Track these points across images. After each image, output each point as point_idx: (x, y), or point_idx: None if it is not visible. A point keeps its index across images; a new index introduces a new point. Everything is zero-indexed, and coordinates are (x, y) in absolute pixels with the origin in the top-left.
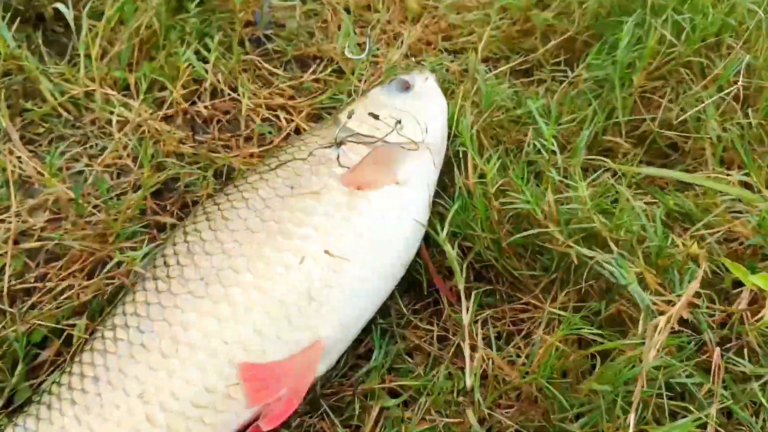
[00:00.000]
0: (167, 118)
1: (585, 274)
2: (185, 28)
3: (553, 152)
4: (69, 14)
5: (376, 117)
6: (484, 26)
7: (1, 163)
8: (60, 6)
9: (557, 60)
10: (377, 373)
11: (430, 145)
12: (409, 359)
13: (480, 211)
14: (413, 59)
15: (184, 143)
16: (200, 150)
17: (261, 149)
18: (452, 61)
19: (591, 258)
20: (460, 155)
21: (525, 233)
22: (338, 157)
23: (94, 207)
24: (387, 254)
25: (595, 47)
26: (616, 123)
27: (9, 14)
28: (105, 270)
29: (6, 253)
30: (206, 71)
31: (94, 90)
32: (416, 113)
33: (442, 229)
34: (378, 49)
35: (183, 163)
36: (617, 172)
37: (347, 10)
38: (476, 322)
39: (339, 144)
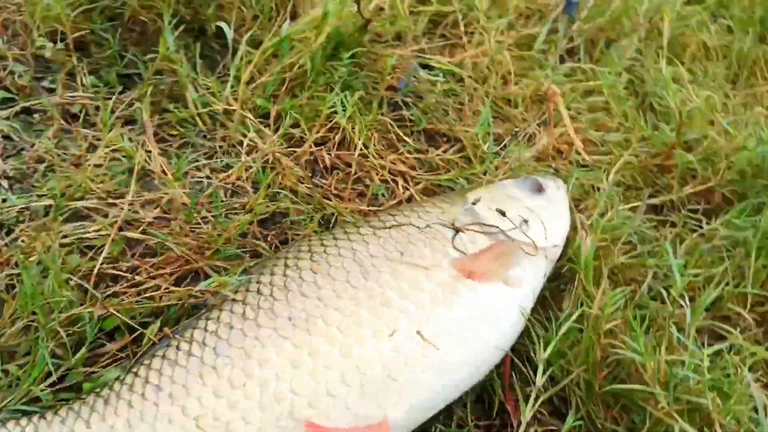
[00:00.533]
0: (292, 154)
1: None
2: (334, 75)
3: (680, 306)
4: (229, 35)
5: (503, 214)
6: (622, 150)
7: (131, 152)
8: (223, 26)
9: (693, 208)
10: None
11: (548, 253)
12: None
13: (583, 346)
14: (547, 166)
15: (301, 182)
16: (315, 192)
17: (370, 208)
18: (583, 175)
19: None
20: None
21: (625, 386)
22: (453, 238)
23: (203, 218)
24: (476, 352)
25: (738, 206)
26: (743, 293)
27: (175, 20)
28: (200, 284)
29: (108, 235)
30: (342, 121)
31: (234, 110)
32: (544, 218)
33: (543, 348)
34: (507, 144)
35: (296, 200)
36: (733, 347)
37: (486, 94)
38: None
39: (458, 230)
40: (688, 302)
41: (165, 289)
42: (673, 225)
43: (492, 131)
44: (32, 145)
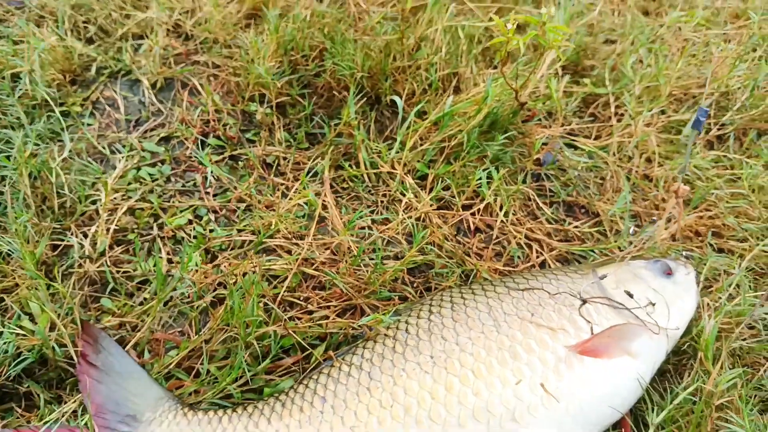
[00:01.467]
0: (443, 216)
1: None
2: (486, 150)
3: None
4: (400, 105)
5: (630, 295)
6: (760, 239)
7: (314, 203)
8: (396, 98)
9: None
10: None
11: (671, 334)
12: None
13: (695, 418)
14: (683, 253)
15: (447, 239)
16: (457, 249)
17: (506, 268)
18: (716, 260)
19: None
20: (692, 352)
21: None
22: (581, 307)
23: (363, 263)
24: (594, 413)
25: None
26: None
27: (357, 89)
28: (362, 320)
29: (291, 269)
30: (485, 192)
31: (396, 172)
32: (669, 301)
33: (656, 414)
34: (642, 225)
35: (441, 254)
36: None
37: (627, 177)
38: None
39: (584, 301)
40: None
41: (331, 319)
42: None
43: (630, 209)
44: (235, 188)
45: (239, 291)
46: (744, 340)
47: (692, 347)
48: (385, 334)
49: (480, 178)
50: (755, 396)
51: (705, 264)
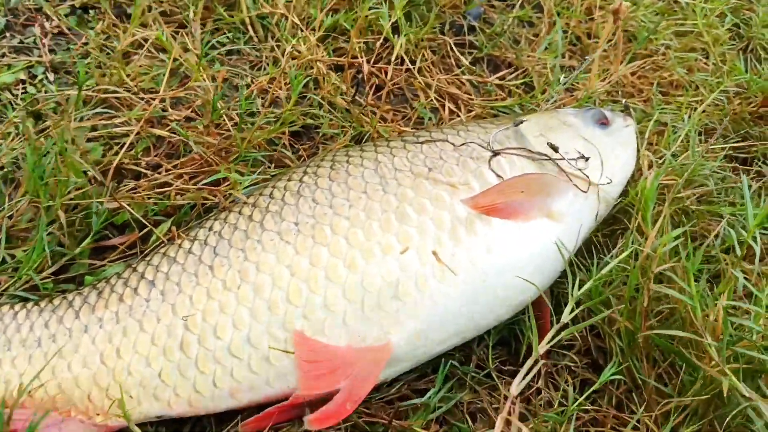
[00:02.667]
0: (337, 68)
1: (730, 416)
2: None
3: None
4: None
5: (554, 148)
6: (712, 92)
7: (166, 45)
8: None
9: None
10: (424, 415)
11: (604, 194)
12: (469, 420)
13: (628, 288)
14: (622, 101)
15: (343, 97)
16: (354, 109)
17: (414, 131)
18: (662, 114)
19: (748, 399)
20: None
21: (671, 332)
22: (491, 159)
23: (232, 122)
24: (501, 285)
25: None
26: None
27: None
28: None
29: (134, 130)
30: (385, 26)
31: (286, 17)
32: (603, 154)
33: (578, 288)
34: (580, 80)
35: (333, 114)
36: None
37: (565, 31)
38: (569, 419)
39: (496, 152)
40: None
41: (175, 186)
42: (761, 175)
43: (562, 63)
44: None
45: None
46: (691, 200)
47: (628, 213)
48: (245, 202)
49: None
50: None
51: (649, 118)
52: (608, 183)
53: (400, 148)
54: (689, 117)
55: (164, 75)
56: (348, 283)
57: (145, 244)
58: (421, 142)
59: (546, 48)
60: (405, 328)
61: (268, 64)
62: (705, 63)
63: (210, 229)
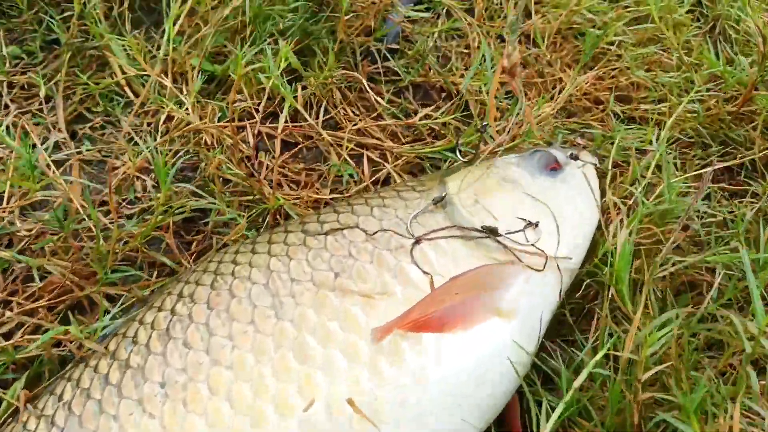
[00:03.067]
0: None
1: None
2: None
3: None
4: None
5: (494, 232)
6: (682, 95)
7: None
8: None
9: None
10: None
11: (565, 264)
12: None
13: (610, 406)
14: (572, 124)
15: (232, 164)
16: (252, 181)
17: (332, 196)
18: (625, 134)
19: None
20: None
21: None
22: (413, 248)
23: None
24: (444, 425)
25: None
26: None
27: None
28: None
29: None
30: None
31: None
32: (558, 213)
33: (546, 418)
34: (526, 98)
35: (222, 190)
36: None
37: (501, 38)
38: None
39: (417, 241)
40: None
41: (22, 336)
42: (755, 197)
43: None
44: None
45: None
46: (673, 264)
47: (598, 280)
48: (104, 352)
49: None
50: (699, 344)
51: (611, 142)
52: (568, 254)
53: (299, 245)
54: (657, 137)
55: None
56: None
57: None
58: (325, 233)
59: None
60: None
61: (144, 137)
62: (668, 57)
63: (59, 398)
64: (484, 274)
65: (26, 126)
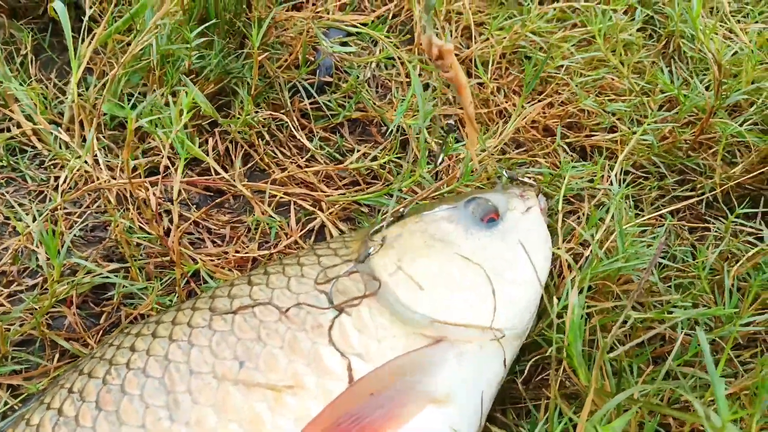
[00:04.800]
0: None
1: None
2: (185, 60)
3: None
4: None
5: (419, 286)
6: (636, 122)
7: None
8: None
9: (747, 202)
10: None
11: (506, 332)
12: None
13: None
14: (505, 174)
15: (143, 223)
16: (166, 240)
17: (259, 253)
18: (574, 173)
19: None
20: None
21: None
22: (331, 326)
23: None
24: None
25: None
26: None
27: None
28: None
29: None
30: (157, 135)
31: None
32: (496, 277)
33: None
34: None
35: (144, 254)
36: None
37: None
38: None
39: (340, 310)
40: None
41: None
42: (718, 238)
43: (442, 111)
44: None
45: None
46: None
47: (547, 353)
48: None
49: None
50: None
51: (561, 180)
52: (505, 324)
53: (203, 326)
54: (608, 176)
55: None
56: None
57: None
58: (234, 312)
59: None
60: None
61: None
62: (620, 81)
63: None
64: (404, 363)
65: None
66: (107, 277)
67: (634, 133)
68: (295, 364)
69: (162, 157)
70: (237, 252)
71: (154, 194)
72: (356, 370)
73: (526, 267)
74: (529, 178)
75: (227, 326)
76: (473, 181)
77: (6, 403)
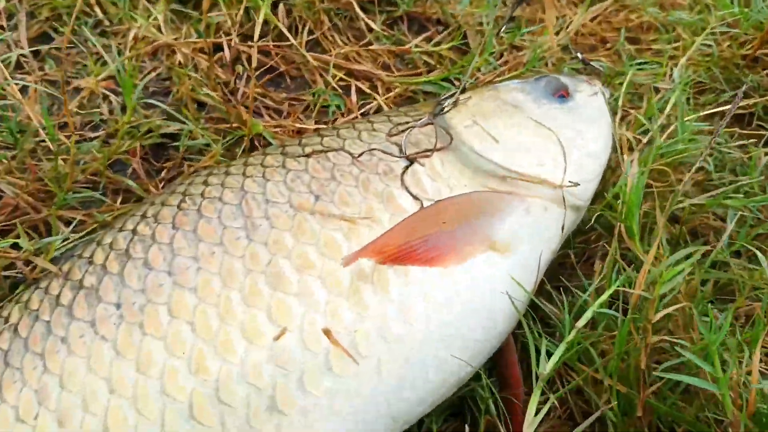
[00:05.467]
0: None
1: None
2: None
3: None
4: None
5: (495, 139)
6: (695, 35)
7: None
8: None
9: None
10: None
11: (572, 198)
12: None
13: (617, 348)
14: (579, 57)
15: (206, 88)
16: (228, 106)
17: (316, 127)
18: (636, 72)
19: None
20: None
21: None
22: (404, 172)
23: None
24: (433, 368)
25: None
26: None
27: None
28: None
29: None
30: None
31: None
32: (566, 141)
33: (546, 358)
34: (529, 34)
35: (197, 115)
36: None
37: None
38: None
39: (412, 160)
40: None
41: None
42: None
43: (504, 14)
44: None
45: None
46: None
47: (605, 220)
48: (57, 273)
49: None
50: (707, 293)
51: (622, 77)
52: (575, 185)
53: (277, 167)
54: (670, 74)
55: None
56: (196, 396)
57: None
58: (307, 155)
59: None
60: None
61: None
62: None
63: (6, 320)
64: (475, 200)
65: None
66: (172, 132)
67: (694, 41)
68: (370, 200)
69: (237, 13)
70: (293, 125)
71: (229, 50)
72: None
73: (593, 141)
74: (589, 69)
75: (301, 167)
76: (539, 67)
77: (66, 239)
